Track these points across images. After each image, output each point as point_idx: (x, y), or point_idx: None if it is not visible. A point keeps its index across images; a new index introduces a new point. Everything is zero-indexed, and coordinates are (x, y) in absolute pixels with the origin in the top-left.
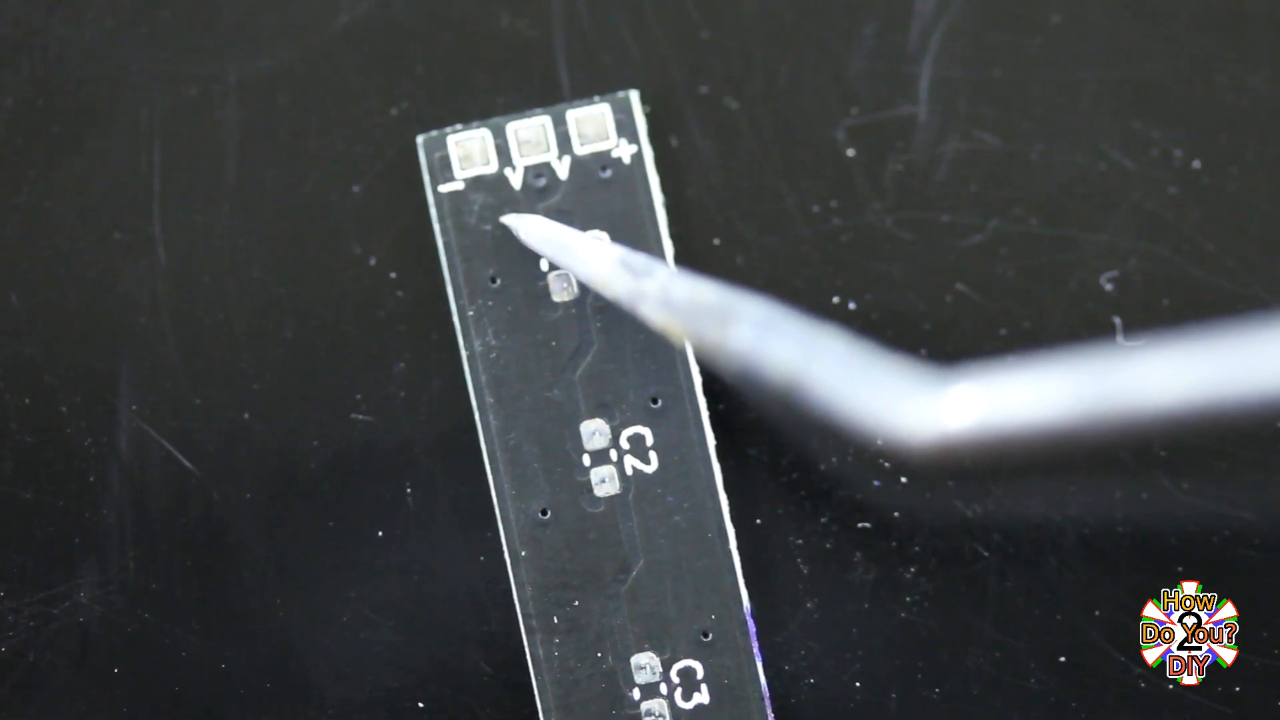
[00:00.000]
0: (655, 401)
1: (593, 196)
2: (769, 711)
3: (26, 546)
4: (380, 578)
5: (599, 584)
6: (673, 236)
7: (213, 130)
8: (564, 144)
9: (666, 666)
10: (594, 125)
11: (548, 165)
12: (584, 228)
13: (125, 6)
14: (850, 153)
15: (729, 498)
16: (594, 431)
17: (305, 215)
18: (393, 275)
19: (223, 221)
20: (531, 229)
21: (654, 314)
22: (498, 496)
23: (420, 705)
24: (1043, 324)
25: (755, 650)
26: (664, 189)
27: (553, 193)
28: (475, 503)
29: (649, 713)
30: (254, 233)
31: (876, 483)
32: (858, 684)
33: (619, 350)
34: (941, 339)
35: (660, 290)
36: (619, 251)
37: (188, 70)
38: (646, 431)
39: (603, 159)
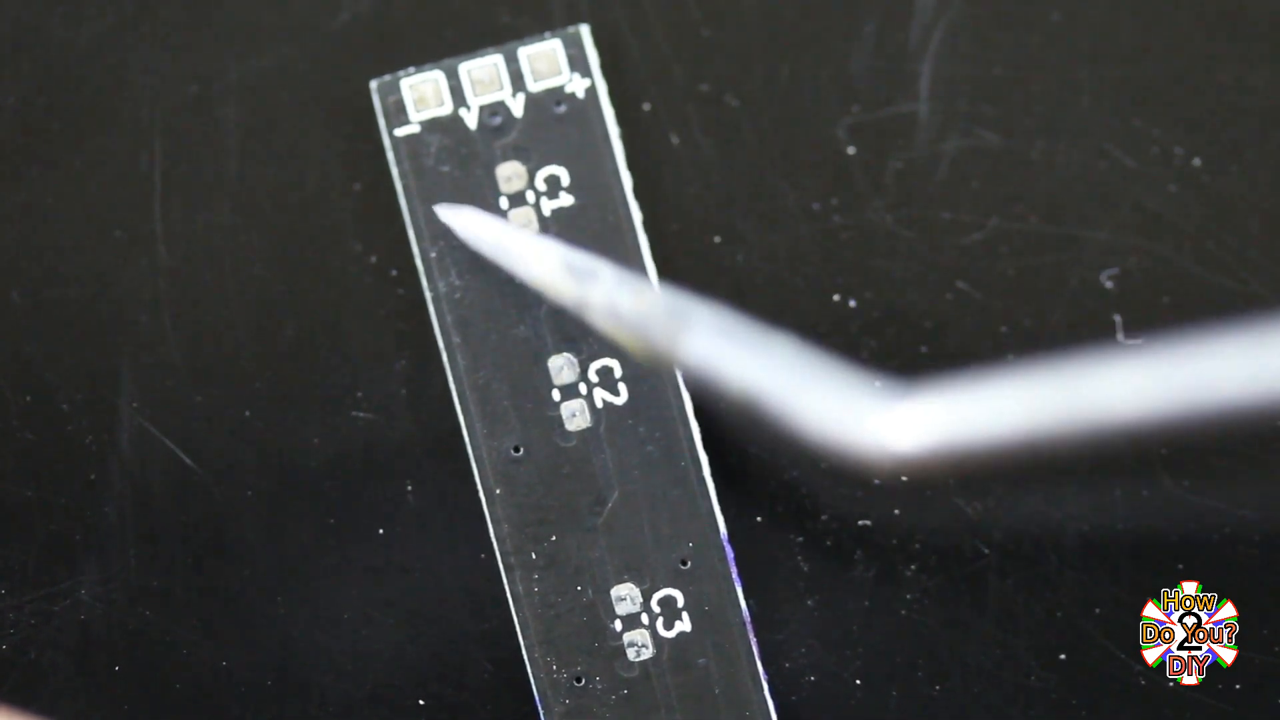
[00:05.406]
0: None
1: (548, 132)
2: (751, 636)
3: (27, 544)
4: (381, 576)
5: (575, 518)
6: (672, 235)
7: (214, 128)
8: (517, 82)
9: (647, 596)
10: (546, 61)
11: (502, 104)
12: (541, 164)
13: (126, 5)
14: (851, 150)
15: (723, 492)
16: (562, 366)
17: (306, 213)
18: (394, 273)
19: (224, 219)
20: (466, 225)
21: (601, 322)
22: (469, 436)
23: (421, 703)
24: (1043, 322)
25: (734, 575)
26: (660, 179)
27: (508, 131)
28: (476, 500)
29: (632, 644)
30: (255, 230)
31: (877, 480)
32: (858, 681)
33: None
34: (942, 337)
35: (607, 297)
36: (562, 252)
37: (188, 68)
38: (614, 363)
39: (557, 94)
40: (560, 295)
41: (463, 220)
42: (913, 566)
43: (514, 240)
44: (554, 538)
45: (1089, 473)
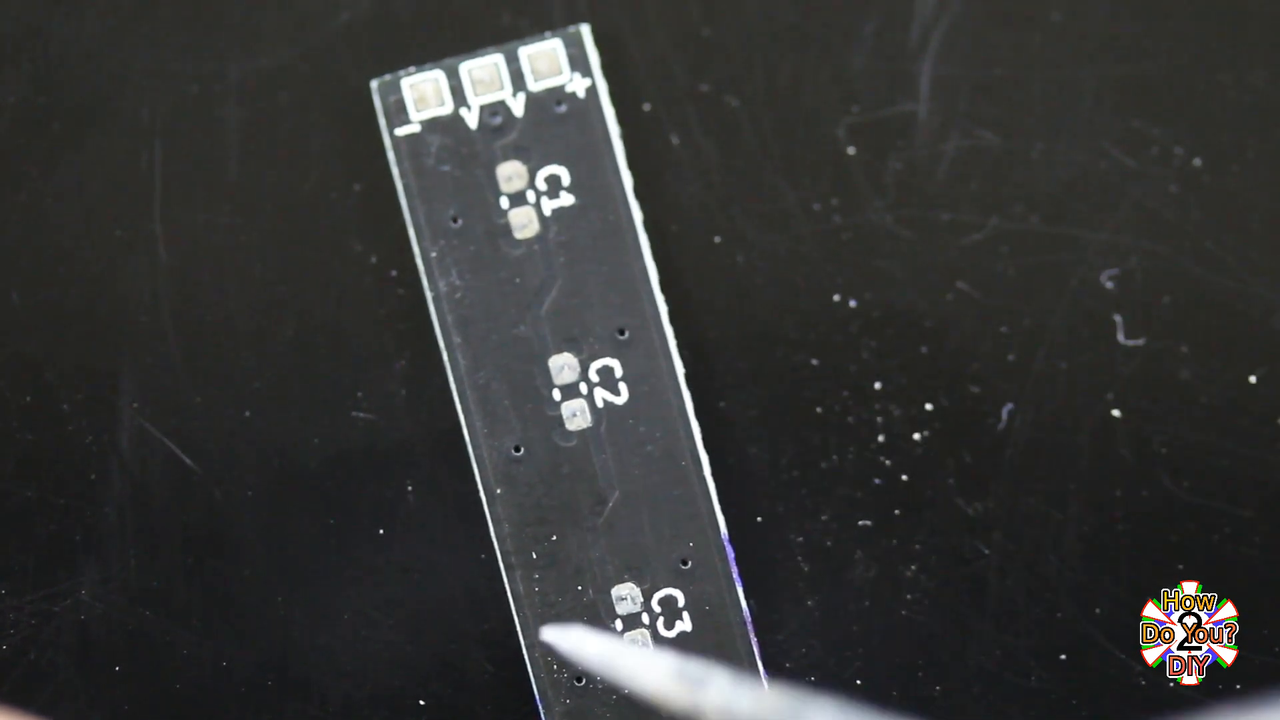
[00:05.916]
0: (622, 333)
1: (549, 132)
2: (751, 636)
3: (28, 544)
4: (381, 576)
5: (576, 518)
6: (672, 235)
7: (214, 128)
8: (518, 81)
9: (647, 596)
10: (547, 61)
11: (502, 103)
12: (542, 164)
13: (126, 5)
14: (851, 151)
15: (723, 492)
16: (563, 366)
17: (306, 213)
18: (394, 273)
19: (224, 220)
20: (573, 643)
21: None
22: (470, 436)
23: (421, 703)
24: (1043, 322)
25: (735, 575)
26: (660, 179)
27: (509, 130)
28: (476, 501)
29: (633, 643)
30: (255, 231)
31: (877, 480)
32: (859, 681)
33: (583, 284)
34: (942, 337)
35: (722, 703)
36: (673, 660)
37: (189, 68)
38: (615, 363)
39: (557, 94)
40: (673, 705)
41: (570, 639)
42: (913, 567)
43: (624, 653)
44: (554, 537)
45: (1089, 473)
